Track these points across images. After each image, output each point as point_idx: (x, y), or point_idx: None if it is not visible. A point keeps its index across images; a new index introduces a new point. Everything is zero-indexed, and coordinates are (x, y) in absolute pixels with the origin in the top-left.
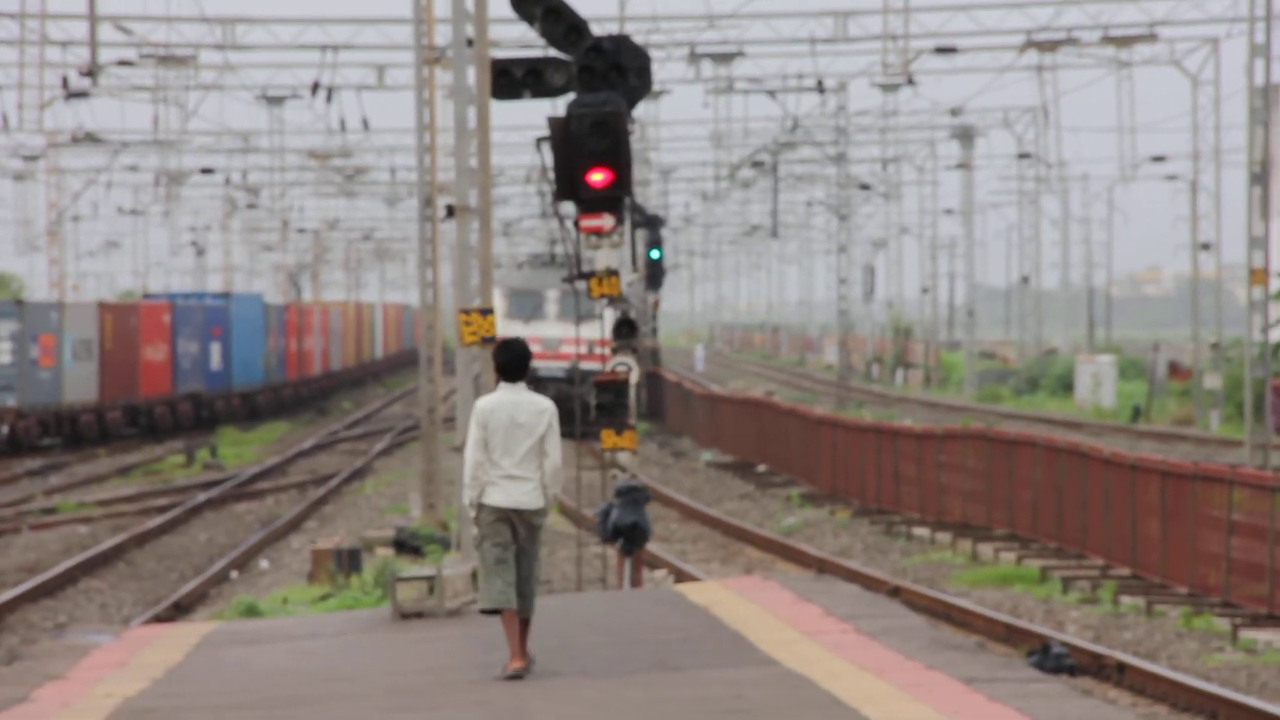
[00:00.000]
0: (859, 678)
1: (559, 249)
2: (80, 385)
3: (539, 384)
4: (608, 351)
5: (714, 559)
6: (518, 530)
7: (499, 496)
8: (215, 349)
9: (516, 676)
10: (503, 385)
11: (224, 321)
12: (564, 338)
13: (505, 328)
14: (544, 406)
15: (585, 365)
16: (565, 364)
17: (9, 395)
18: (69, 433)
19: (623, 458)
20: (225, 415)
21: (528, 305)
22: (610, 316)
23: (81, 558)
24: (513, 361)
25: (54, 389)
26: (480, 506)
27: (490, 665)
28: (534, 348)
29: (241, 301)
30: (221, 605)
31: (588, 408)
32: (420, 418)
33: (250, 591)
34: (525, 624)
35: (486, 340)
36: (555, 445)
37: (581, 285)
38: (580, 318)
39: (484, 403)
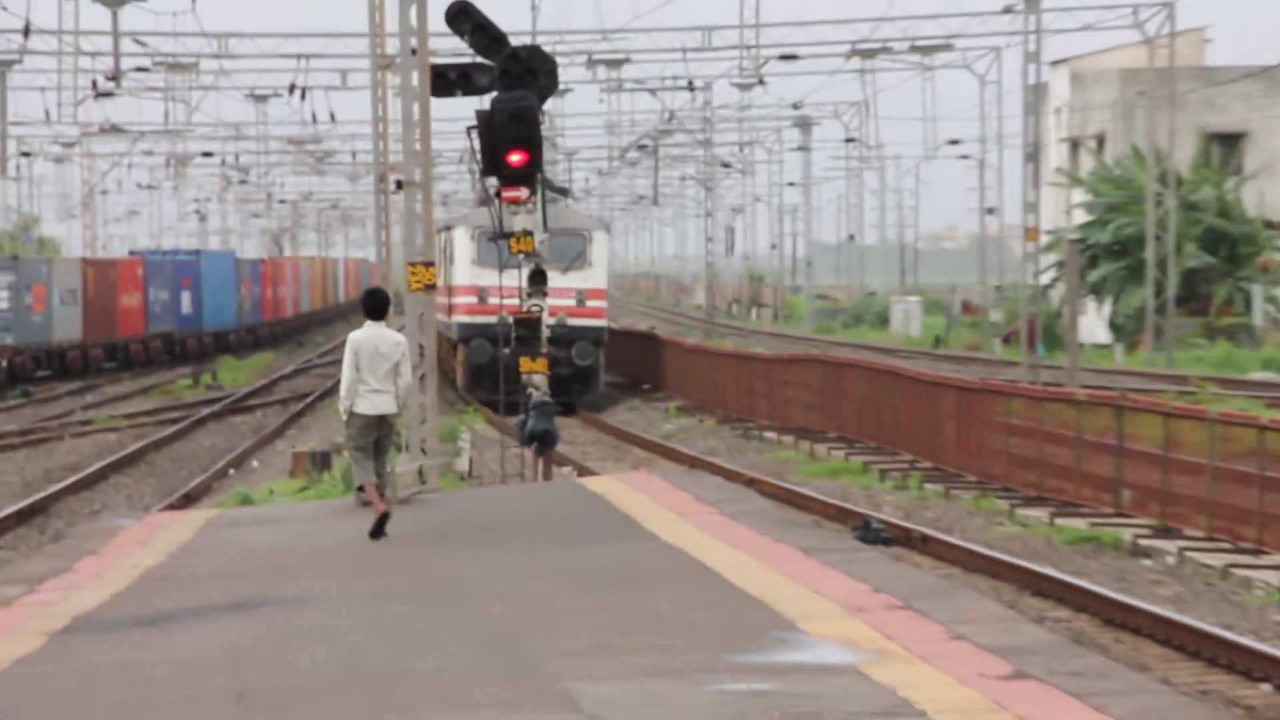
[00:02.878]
0: (722, 549)
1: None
2: (67, 327)
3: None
4: (602, 305)
5: (609, 458)
6: (380, 430)
7: (366, 406)
8: (185, 296)
9: (385, 518)
10: (369, 323)
11: (194, 274)
12: (548, 289)
13: (475, 276)
14: (398, 340)
15: (575, 321)
16: (551, 320)
17: (7, 335)
18: (58, 366)
19: (537, 379)
20: (196, 351)
21: (501, 249)
22: (601, 264)
23: (111, 459)
24: (376, 307)
25: (45, 330)
26: (351, 414)
27: (433, 540)
28: (510, 301)
29: (212, 257)
30: (221, 495)
31: (586, 375)
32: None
33: (244, 485)
34: (381, 490)
35: (429, 287)
36: (407, 369)
37: (546, 236)
38: (568, 266)
39: (355, 335)
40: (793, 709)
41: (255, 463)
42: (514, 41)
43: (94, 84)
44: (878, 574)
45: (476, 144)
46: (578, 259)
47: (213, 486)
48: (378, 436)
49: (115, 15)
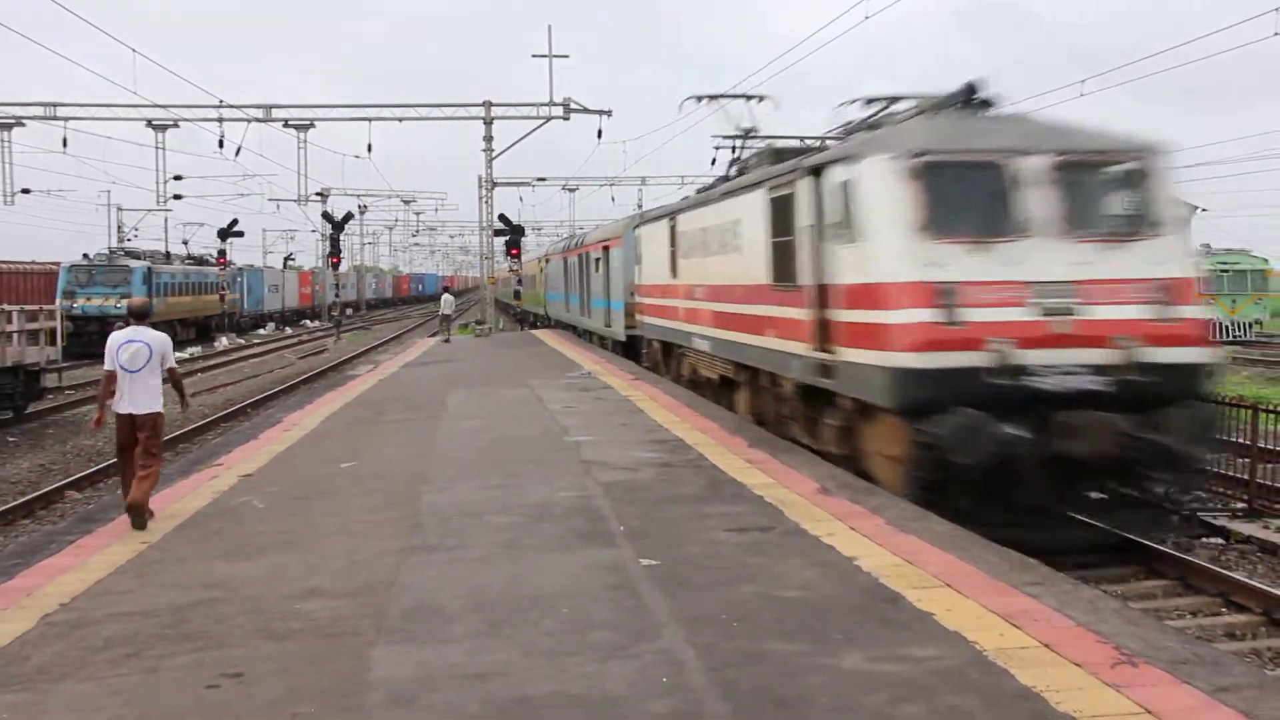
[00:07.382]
0: (567, 349)
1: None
2: (385, 291)
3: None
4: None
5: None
6: (446, 319)
7: (443, 311)
8: (419, 285)
9: (447, 340)
10: (445, 294)
11: (422, 279)
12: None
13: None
14: (452, 298)
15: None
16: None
17: (371, 295)
18: (381, 305)
19: (527, 307)
20: (425, 300)
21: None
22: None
23: (414, 325)
24: (447, 290)
25: (382, 293)
26: (440, 314)
27: (493, 346)
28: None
29: (429, 275)
30: (444, 334)
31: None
32: (479, 300)
33: (449, 332)
34: (448, 334)
35: (491, 287)
36: (453, 304)
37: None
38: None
39: (442, 297)
40: (582, 386)
41: (455, 325)
42: (516, 220)
43: (388, 228)
44: (616, 358)
45: (506, 249)
46: None
47: (439, 331)
48: (446, 320)
49: (408, 206)
